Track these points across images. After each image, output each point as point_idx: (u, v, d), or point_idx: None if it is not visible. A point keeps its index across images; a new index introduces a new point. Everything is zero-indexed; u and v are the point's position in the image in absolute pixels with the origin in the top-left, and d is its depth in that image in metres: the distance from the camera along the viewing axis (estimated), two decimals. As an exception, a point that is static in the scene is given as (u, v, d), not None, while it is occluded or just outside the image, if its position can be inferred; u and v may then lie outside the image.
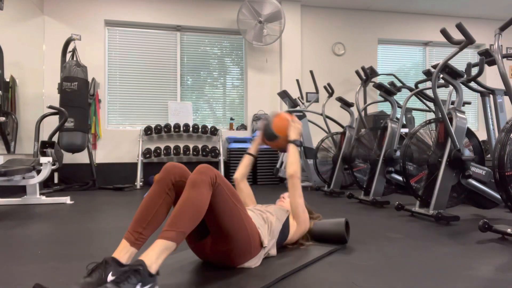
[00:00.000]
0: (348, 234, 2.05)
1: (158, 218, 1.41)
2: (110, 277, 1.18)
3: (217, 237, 1.49)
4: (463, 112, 2.85)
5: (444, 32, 2.70)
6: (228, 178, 5.50)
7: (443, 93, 4.97)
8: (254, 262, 1.59)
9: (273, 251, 1.74)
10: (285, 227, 1.81)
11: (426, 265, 1.69)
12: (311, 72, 5.97)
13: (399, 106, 3.99)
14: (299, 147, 2.02)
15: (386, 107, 6.37)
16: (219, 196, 1.41)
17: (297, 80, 6.04)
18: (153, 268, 1.19)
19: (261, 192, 4.78)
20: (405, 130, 4.79)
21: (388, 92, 3.88)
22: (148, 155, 5.75)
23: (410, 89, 4.44)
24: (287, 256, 1.76)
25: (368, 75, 5.22)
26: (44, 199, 3.89)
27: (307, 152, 5.07)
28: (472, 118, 7.27)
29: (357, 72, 5.16)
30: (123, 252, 1.33)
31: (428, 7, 6.78)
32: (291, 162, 1.93)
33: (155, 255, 1.21)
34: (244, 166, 2.13)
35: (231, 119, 6.37)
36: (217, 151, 5.87)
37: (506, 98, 2.80)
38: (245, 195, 2.09)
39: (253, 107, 6.35)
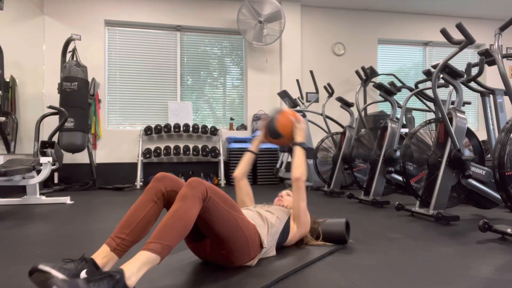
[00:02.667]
0: (349, 235, 2.05)
1: (142, 227, 1.37)
2: (83, 274, 1.15)
3: (215, 242, 1.49)
4: (463, 112, 2.85)
5: (444, 32, 2.70)
6: (228, 178, 5.51)
7: (443, 93, 4.97)
8: (252, 262, 1.59)
9: (272, 252, 1.74)
10: (286, 228, 1.80)
11: (426, 265, 1.69)
12: (311, 72, 5.97)
13: (399, 106, 3.98)
14: (305, 150, 1.99)
15: (386, 107, 6.37)
16: (212, 208, 1.38)
17: (297, 80, 6.04)
18: (132, 280, 1.13)
19: (261, 192, 4.77)
20: (405, 130, 4.79)
21: (388, 92, 3.88)
22: (148, 155, 5.75)
23: (410, 89, 4.44)
24: (287, 256, 1.76)
25: (368, 75, 5.22)
26: (44, 199, 3.89)
27: (307, 152, 5.07)
28: (472, 118, 7.27)
29: (357, 72, 5.16)
30: (101, 256, 1.30)
31: (428, 7, 6.78)
32: (297, 165, 1.89)
33: (136, 266, 1.15)
34: (245, 164, 2.09)
35: (231, 119, 6.37)
36: (217, 151, 5.88)
37: (506, 98, 2.80)
38: (244, 194, 2.06)
39: (253, 107, 6.34)
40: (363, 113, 4.84)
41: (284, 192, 2.07)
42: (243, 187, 2.07)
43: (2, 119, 3.87)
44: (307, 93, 6.41)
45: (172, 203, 1.41)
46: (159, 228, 1.24)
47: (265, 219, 1.70)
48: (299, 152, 1.95)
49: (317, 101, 6.21)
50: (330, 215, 2.24)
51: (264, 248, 1.63)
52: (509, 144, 2.19)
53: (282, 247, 1.84)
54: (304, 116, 5.14)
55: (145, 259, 1.17)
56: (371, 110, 6.30)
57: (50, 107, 4.22)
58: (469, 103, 3.88)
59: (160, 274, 1.51)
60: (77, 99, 4.93)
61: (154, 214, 1.40)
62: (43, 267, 1.12)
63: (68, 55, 5.20)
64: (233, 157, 5.86)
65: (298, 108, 5.35)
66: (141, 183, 5.55)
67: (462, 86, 2.95)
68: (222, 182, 5.75)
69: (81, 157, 5.44)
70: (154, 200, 1.41)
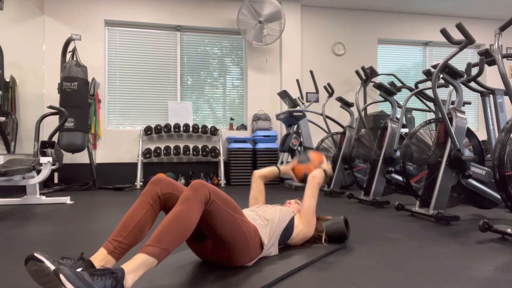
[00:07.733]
0: (348, 232, 2.05)
1: (139, 229, 1.37)
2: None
3: (216, 243, 1.50)
4: (463, 112, 2.85)
5: (444, 32, 2.70)
6: (228, 178, 5.49)
7: (443, 93, 4.97)
8: (251, 262, 1.60)
9: (275, 250, 1.74)
10: (290, 225, 1.81)
11: (426, 265, 1.69)
12: (311, 72, 5.97)
13: (399, 106, 3.98)
14: (327, 177, 2.08)
15: (386, 107, 6.37)
16: (215, 211, 1.39)
17: (297, 80, 6.04)
18: (128, 280, 1.14)
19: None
20: (405, 130, 4.79)
21: (388, 92, 3.88)
22: (148, 155, 5.75)
23: (410, 89, 4.44)
24: (287, 256, 1.76)
25: (368, 75, 5.22)
26: (44, 199, 3.89)
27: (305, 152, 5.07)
28: (472, 118, 7.27)
29: (357, 72, 5.16)
30: (99, 259, 1.29)
31: (428, 7, 6.78)
32: (318, 174, 1.99)
33: (133, 268, 1.16)
34: (268, 172, 2.18)
35: (231, 119, 6.37)
36: (217, 151, 5.88)
37: (506, 98, 2.80)
38: (257, 191, 2.14)
39: (253, 107, 6.35)
40: (363, 113, 4.84)
41: (293, 200, 2.08)
42: (259, 184, 2.17)
43: (2, 119, 3.87)
44: (307, 93, 6.41)
45: (169, 206, 1.41)
46: (158, 231, 1.23)
47: (267, 220, 1.69)
48: (320, 174, 2.03)
49: (317, 101, 6.21)
50: (330, 215, 2.24)
51: (265, 247, 1.63)
52: (509, 144, 2.19)
53: (283, 247, 1.84)
54: (304, 116, 5.15)
55: (142, 262, 1.17)
56: (371, 110, 6.30)
57: (50, 107, 4.22)
58: (469, 103, 3.88)
59: (160, 274, 1.51)
60: (77, 99, 4.93)
61: (151, 217, 1.40)
62: (39, 256, 1.14)
63: (68, 55, 5.20)
64: (233, 157, 5.86)
65: (298, 108, 5.36)
66: (141, 183, 5.55)
67: (462, 86, 2.95)
68: (222, 182, 5.75)
69: (81, 157, 5.44)
70: (150, 203, 1.41)
